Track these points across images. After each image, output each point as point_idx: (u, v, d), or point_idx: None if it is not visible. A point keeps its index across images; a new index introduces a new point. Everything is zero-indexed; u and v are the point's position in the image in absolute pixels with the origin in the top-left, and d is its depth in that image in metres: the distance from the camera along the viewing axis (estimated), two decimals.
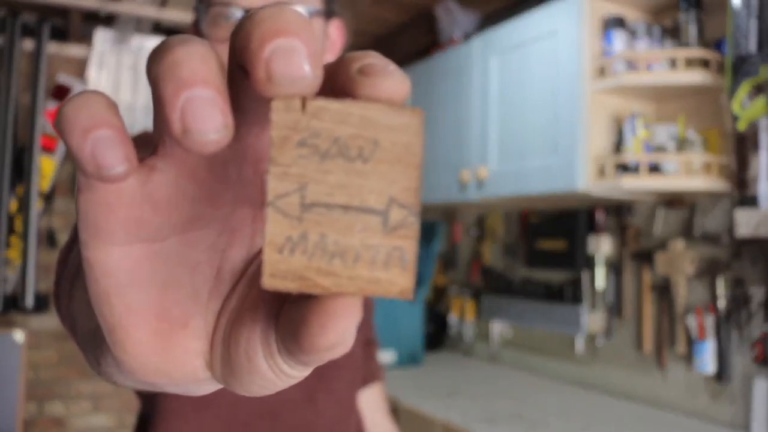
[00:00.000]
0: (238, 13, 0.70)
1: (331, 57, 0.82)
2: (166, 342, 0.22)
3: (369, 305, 1.04)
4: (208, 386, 0.24)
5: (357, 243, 0.18)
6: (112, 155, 0.18)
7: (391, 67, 0.19)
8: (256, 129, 0.20)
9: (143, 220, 0.20)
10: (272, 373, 0.21)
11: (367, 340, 1.03)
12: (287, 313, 0.19)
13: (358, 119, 0.18)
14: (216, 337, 0.22)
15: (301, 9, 0.70)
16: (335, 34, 0.81)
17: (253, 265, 0.23)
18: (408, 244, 0.18)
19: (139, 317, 0.21)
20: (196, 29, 0.76)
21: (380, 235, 0.18)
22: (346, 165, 0.18)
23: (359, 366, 0.92)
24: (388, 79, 0.18)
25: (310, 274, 0.18)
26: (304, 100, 0.18)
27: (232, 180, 0.21)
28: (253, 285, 0.22)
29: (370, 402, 1.00)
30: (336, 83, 0.19)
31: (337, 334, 0.18)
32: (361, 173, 0.18)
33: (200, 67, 0.18)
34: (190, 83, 0.17)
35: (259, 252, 0.23)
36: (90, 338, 0.29)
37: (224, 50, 0.69)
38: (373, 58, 0.19)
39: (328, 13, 0.77)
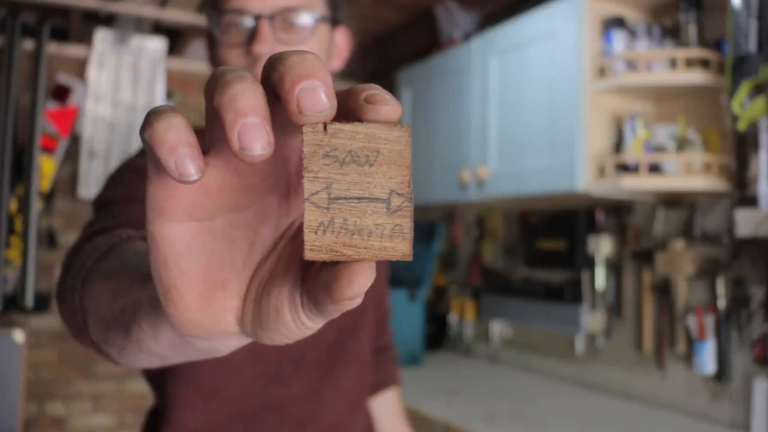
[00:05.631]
0: (248, 21, 0.73)
1: (337, 63, 0.83)
2: (208, 300, 0.28)
3: (384, 314, 1.04)
4: (233, 342, 0.30)
5: (369, 223, 0.25)
6: (190, 167, 0.25)
7: (388, 96, 0.25)
8: (284, 137, 0.27)
9: (198, 204, 0.27)
10: (294, 324, 0.27)
11: (381, 346, 1.04)
12: (318, 276, 0.26)
13: (364, 135, 0.25)
14: (248, 297, 0.29)
15: (308, 16, 0.74)
16: (341, 42, 0.83)
17: (282, 240, 0.29)
18: (405, 222, 0.25)
19: (190, 280, 0.28)
20: (209, 35, 0.79)
21: (385, 216, 0.25)
22: (357, 168, 0.25)
23: (368, 365, 0.92)
24: (387, 106, 0.25)
25: (337, 247, 0.25)
26: (325, 125, 0.24)
27: (265, 175, 0.28)
28: (282, 257, 0.29)
29: (388, 405, 1.01)
30: (347, 107, 0.25)
31: (359, 287, 0.24)
32: (368, 173, 0.25)
33: (252, 100, 0.24)
34: (245, 113, 0.24)
35: (285, 230, 0.30)
36: (114, 321, 0.38)
37: (236, 55, 0.74)
38: (375, 90, 0.25)
39: (335, 21, 0.80)
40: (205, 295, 0.28)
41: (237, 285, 0.29)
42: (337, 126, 0.24)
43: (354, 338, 0.88)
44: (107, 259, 0.48)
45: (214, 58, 0.78)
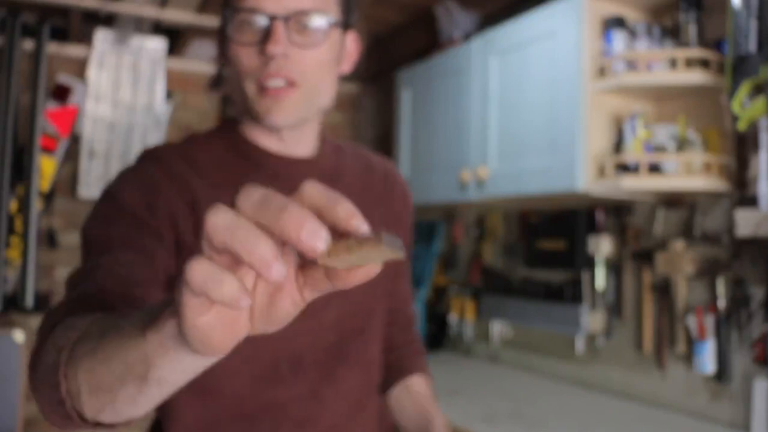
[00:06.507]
0: (262, 20, 0.74)
1: (347, 67, 0.84)
2: (231, 329, 0.37)
3: (408, 317, 1.04)
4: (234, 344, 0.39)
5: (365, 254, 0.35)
6: (241, 302, 0.34)
7: (358, 218, 0.35)
8: None
9: None
10: (293, 307, 0.38)
11: (404, 342, 1.03)
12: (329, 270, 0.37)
13: (354, 242, 0.34)
14: (256, 301, 0.38)
15: (322, 20, 0.75)
16: (351, 46, 0.85)
17: None
18: (380, 250, 0.34)
19: (219, 330, 0.37)
20: (221, 33, 0.80)
21: (375, 250, 0.34)
22: (351, 256, 0.34)
23: (374, 365, 0.91)
24: (354, 219, 0.35)
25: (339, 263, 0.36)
26: (328, 250, 0.34)
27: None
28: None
29: (410, 389, 0.98)
30: (332, 222, 0.35)
31: (363, 279, 0.36)
32: (358, 257, 0.35)
33: (310, 221, 0.33)
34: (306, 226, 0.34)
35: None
36: (122, 380, 0.44)
37: (249, 54, 0.75)
38: (348, 213, 0.35)
39: (346, 25, 0.81)
40: (225, 330, 0.37)
41: (248, 305, 0.35)
42: (335, 246, 0.34)
43: (358, 340, 0.87)
44: (87, 338, 0.49)
45: (226, 55, 0.79)
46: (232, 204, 0.34)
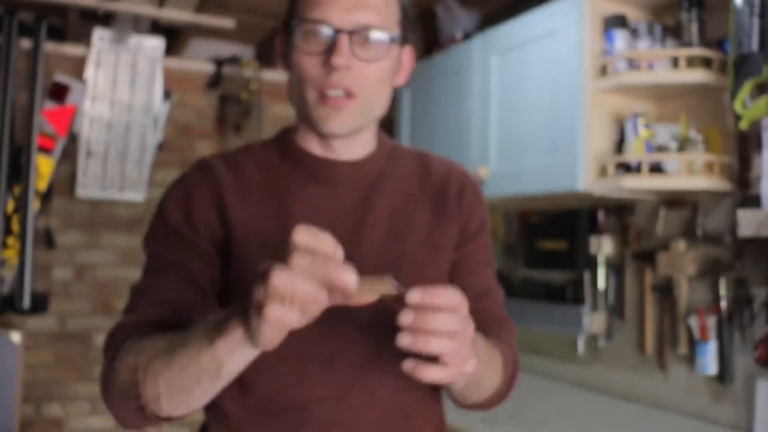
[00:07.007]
0: (327, 31, 0.78)
1: (401, 80, 0.89)
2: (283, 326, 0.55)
3: (485, 309, 0.96)
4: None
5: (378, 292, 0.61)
6: (319, 298, 0.55)
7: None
8: None
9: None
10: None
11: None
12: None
13: (368, 280, 0.60)
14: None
15: (384, 36, 0.80)
16: (407, 59, 0.89)
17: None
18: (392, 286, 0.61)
19: (284, 331, 0.56)
20: (283, 40, 0.86)
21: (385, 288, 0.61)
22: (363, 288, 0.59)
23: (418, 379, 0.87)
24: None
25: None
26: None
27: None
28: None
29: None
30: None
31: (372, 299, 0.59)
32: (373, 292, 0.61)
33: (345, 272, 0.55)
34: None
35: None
36: (197, 380, 0.65)
37: (312, 63, 0.79)
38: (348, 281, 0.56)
39: (404, 40, 0.86)
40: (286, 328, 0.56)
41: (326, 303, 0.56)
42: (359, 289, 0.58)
43: (394, 346, 0.84)
44: (159, 356, 0.67)
45: (288, 61, 0.85)
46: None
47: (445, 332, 0.60)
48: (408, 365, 0.62)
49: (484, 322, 0.92)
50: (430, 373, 0.62)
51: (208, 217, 0.84)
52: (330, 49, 0.78)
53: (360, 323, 0.81)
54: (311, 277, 0.53)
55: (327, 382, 0.81)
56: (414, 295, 0.59)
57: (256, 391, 0.82)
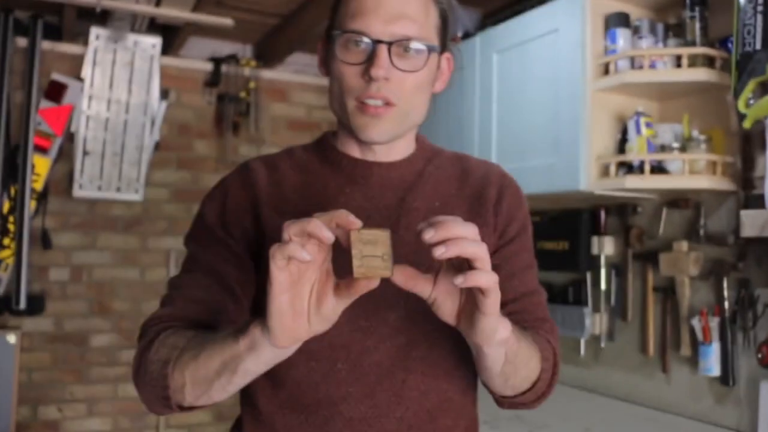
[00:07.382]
0: (367, 42, 0.81)
1: (440, 86, 0.92)
2: (296, 322, 0.63)
3: (523, 308, 0.93)
4: (298, 344, 0.65)
5: (375, 264, 0.61)
6: (303, 255, 0.59)
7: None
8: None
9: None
10: (333, 313, 0.64)
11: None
12: (350, 283, 0.63)
13: (372, 234, 0.60)
14: (310, 308, 0.63)
15: (423, 47, 0.83)
16: (445, 65, 0.91)
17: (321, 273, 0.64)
18: (389, 263, 0.61)
19: (288, 315, 0.62)
20: (324, 47, 0.89)
21: (380, 261, 0.61)
22: (371, 246, 0.60)
23: (445, 376, 0.88)
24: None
25: (363, 272, 0.62)
26: (358, 230, 0.61)
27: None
28: (320, 279, 0.64)
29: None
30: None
31: (368, 286, 0.62)
32: (375, 247, 0.60)
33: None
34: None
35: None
36: (218, 373, 0.70)
37: (352, 73, 0.82)
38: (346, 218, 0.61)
39: (442, 49, 0.88)
40: (294, 319, 0.62)
41: (307, 307, 0.63)
42: (362, 231, 0.59)
43: (424, 347, 0.85)
44: (189, 349, 0.73)
45: (328, 68, 0.88)
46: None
47: (470, 236, 0.61)
48: (459, 278, 0.61)
49: (525, 322, 0.92)
50: (476, 278, 0.61)
51: (243, 218, 0.87)
52: (369, 59, 0.81)
53: (389, 323, 0.83)
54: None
55: (354, 380, 0.83)
56: (427, 230, 0.60)
57: (287, 386, 0.85)
